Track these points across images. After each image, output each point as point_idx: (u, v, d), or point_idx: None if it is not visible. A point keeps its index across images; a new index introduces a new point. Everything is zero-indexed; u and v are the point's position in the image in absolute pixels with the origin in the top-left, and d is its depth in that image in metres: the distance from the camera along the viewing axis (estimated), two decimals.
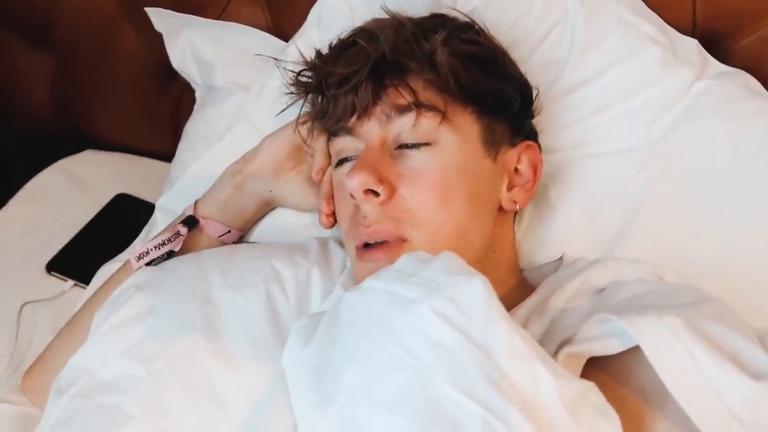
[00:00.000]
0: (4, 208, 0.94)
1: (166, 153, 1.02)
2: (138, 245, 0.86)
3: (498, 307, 0.45)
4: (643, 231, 0.71)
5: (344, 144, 0.64)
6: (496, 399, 0.41)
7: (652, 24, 0.76)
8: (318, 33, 0.78)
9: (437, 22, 0.67)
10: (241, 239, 0.76)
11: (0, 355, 0.77)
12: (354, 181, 0.58)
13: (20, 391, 0.72)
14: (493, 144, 0.63)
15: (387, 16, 0.67)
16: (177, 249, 0.70)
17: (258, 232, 0.78)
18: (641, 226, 0.71)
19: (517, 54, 0.75)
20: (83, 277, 0.86)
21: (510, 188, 0.65)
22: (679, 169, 0.72)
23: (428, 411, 0.42)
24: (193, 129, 0.86)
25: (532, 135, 0.70)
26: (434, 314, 0.44)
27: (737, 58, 0.78)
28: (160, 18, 0.88)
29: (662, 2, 0.78)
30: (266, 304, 0.64)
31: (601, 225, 0.73)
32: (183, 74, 0.91)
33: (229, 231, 0.73)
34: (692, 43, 0.77)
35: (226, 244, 0.74)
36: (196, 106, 0.90)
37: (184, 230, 0.71)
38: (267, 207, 0.76)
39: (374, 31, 0.64)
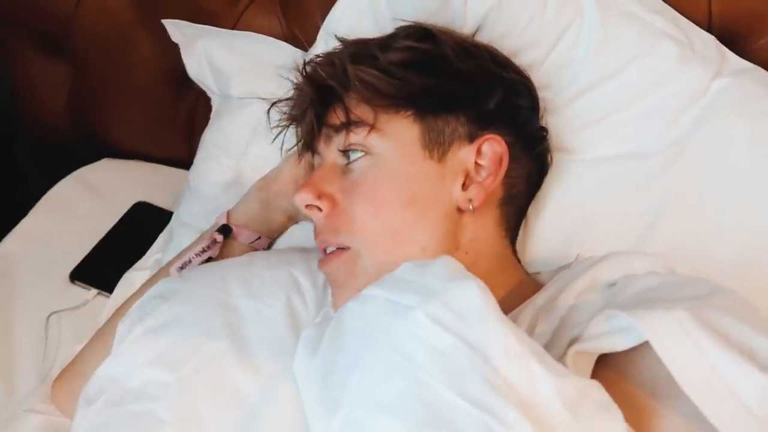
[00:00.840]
0: (25, 219, 0.96)
1: (181, 160, 1.04)
2: (155, 253, 0.89)
3: (494, 309, 0.46)
4: (665, 233, 0.72)
5: (317, 161, 0.71)
6: (493, 399, 0.42)
7: (668, 20, 0.77)
8: (326, 47, 0.79)
9: (378, 38, 0.70)
10: (270, 245, 0.80)
11: (26, 365, 0.79)
12: (297, 199, 0.65)
13: (49, 399, 0.74)
14: (438, 144, 0.64)
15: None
16: (215, 255, 0.75)
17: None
18: (663, 228, 0.72)
19: (533, 54, 0.76)
20: (106, 285, 0.89)
21: (466, 187, 0.64)
22: (700, 169, 0.72)
23: (425, 414, 0.43)
24: (210, 138, 0.89)
25: (515, 128, 0.67)
26: (430, 320, 0.45)
27: (754, 58, 0.79)
28: (176, 29, 0.90)
29: (677, 2, 0.79)
30: (287, 312, 0.66)
31: (621, 228, 0.73)
32: (199, 83, 0.92)
33: (260, 238, 0.78)
34: (710, 39, 0.78)
35: (257, 249, 0.79)
36: (212, 115, 0.92)
37: (220, 237, 0.76)
38: (292, 220, 0.81)
39: (310, 62, 0.70)
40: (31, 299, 0.86)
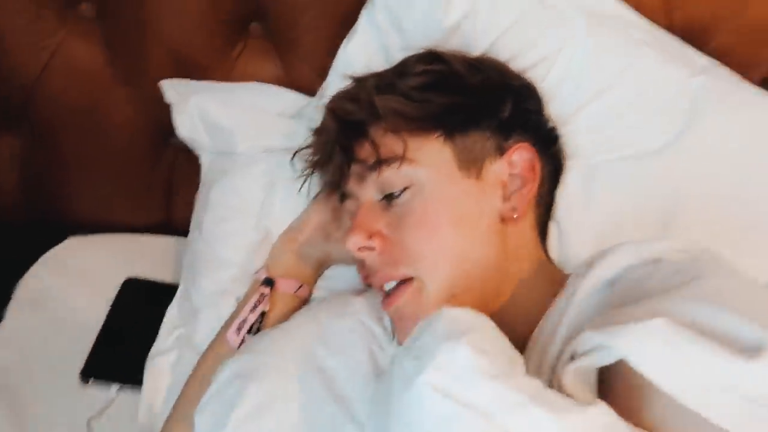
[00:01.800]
0: (5, 321, 0.85)
1: (158, 226, 0.99)
2: (175, 329, 0.84)
3: (487, 364, 0.47)
4: (684, 225, 0.77)
5: (350, 206, 0.71)
6: None
7: (643, 29, 0.84)
8: (339, 86, 0.78)
9: (390, 69, 0.73)
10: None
11: None
12: (349, 244, 0.65)
13: None
14: (472, 162, 0.66)
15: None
16: (267, 309, 0.75)
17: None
18: (682, 221, 0.78)
19: (536, 73, 0.80)
20: (127, 377, 0.82)
21: (506, 198, 0.67)
22: (703, 162, 0.79)
23: None
24: (218, 199, 0.85)
25: (531, 132, 0.71)
26: (430, 388, 0.46)
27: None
28: (171, 88, 0.86)
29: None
30: (373, 365, 0.66)
31: (645, 225, 0.79)
32: (190, 142, 0.88)
33: (302, 286, 0.78)
34: (677, 42, 0.87)
35: (301, 297, 0.78)
36: (207, 175, 0.88)
37: (266, 290, 0.76)
38: (326, 265, 0.80)
39: (330, 103, 0.72)
40: (47, 410, 0.77)
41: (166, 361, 0.81)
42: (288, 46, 0.86)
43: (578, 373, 0.50)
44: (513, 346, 0.54)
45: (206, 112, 0.85)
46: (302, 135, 0.80)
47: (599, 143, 0.82)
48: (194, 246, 0.86)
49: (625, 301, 0.55)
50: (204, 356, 0.75)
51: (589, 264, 0.63)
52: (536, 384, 0.47)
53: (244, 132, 0.84)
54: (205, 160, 0.90)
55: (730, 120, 0.82)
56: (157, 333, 0.84)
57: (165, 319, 0.86)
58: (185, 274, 0.88)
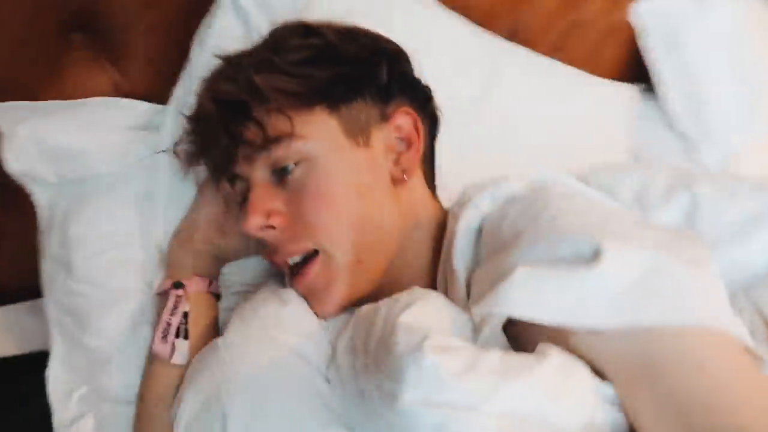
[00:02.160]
0: None
1: None
2: (75, 390, 0.74)
3: (456, 363, 0.49)
4: (518, 154, 0.91)
5: (241, 188, 0.69)
6: None
7: (443, 8, 0.94)
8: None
9: (262, 44, 0.72)
10: None
11: None
12: (247, 227, 0.64)
13: None
14: (360, 131, 0.67)
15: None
16: (188, 309, 0.70)
17: None
18: (515, 151, 0.90)
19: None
20: None
21: (396, 162, 0.69)
22: (509, 106, 0.93)
23: None
24: (86, 232, 0.75)
25: (409, 93, 0.72)
26: (413, 404, 0.49)
27: None
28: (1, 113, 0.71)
29: None
30: (327, 343, 0.66)
31: (491, 159, 0.89)
32: (22, 177, 0.76)
33: (211, 282, 0.74)
34: (458, 16, 1.02)
35: (214, 293, 0.74)
36: (59, 210, 0.77)
37: (180, 292, 0.71)
38: (223, 261, 0.77)
39: (206, 85, 0.69)
40: None
41: (85, 427, 0.71)
42: (122, 53, 0.79)
43: (487, 343, 0.55)
44: (459, 310, 0.58)
45: (45, 137, 0.73)
46: (166, 142, 0.75)
47: (440, 99, 0.92)
48: (68, 295, 0.75)
49: (491, 246, 0.60)
50: (145, 388, 0.68)
51: (460, 204, 0.68)
52: (496, 356, 0.51)
53: (102, 151, 0.75)
54: (42, 197, 0.78)
55: (521, 71, 0.99)
56: (36, 411, 0.72)
57: (51, 388, 0.74)
58: (61, 331, 0.76)
